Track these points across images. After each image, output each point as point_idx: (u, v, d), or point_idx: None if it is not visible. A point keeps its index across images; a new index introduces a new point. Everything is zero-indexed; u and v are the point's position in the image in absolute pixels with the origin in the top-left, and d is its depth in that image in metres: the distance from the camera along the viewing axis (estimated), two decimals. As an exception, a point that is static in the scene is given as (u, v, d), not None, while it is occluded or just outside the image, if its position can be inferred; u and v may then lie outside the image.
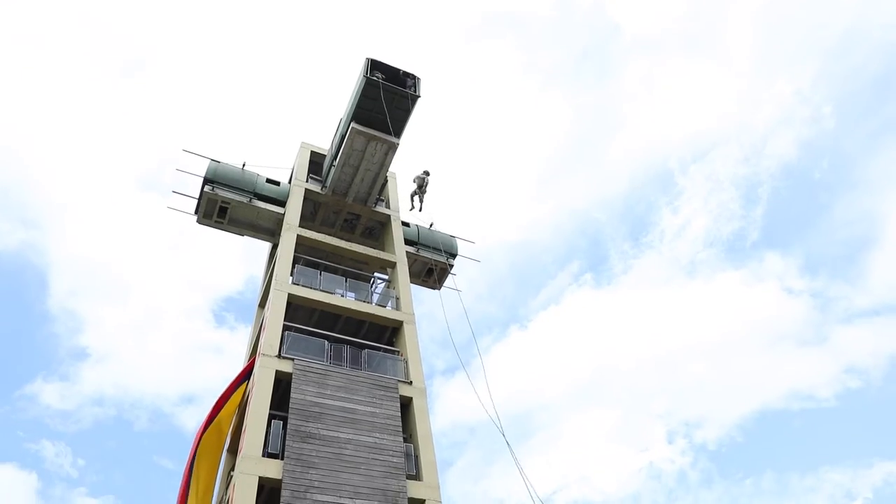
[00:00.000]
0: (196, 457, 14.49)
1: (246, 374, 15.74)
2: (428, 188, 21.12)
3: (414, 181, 21.25)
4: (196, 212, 19.56)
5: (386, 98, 18.13)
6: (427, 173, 21.09)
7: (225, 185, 19.29)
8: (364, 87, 18.12)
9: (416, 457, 14.45)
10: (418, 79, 18.72)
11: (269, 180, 20.31)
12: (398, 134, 18.94)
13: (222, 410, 15.23)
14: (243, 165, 19.80)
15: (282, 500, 12.28)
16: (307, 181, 20.42)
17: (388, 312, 17.81)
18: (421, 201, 21.23)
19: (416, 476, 14.09)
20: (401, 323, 17.44)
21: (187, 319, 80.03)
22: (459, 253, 21.96)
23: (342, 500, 12.72)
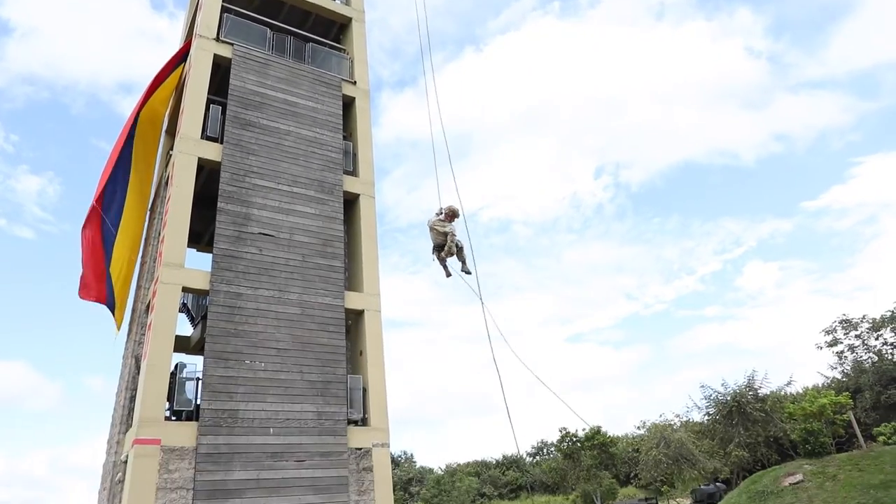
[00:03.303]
0: (134, 137, 14.51)
1: (182, 56, 15.02)
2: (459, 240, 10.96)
3: (432, 230, 11.06)
4: None
5: None
6: (450, 214, 11.00)
7: None
8: None
9: (355, 154, 14.89)
10: None
11: None
12: None
13: (158, 92, 14.84)
14: None
15: (221, 181, 12.75)
16: None
17: (336, 6, 16.63)
18: (462, 259, 11.23)
19: (353, 172, 14.69)
20: (349, 19, 16.45)
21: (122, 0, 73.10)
22: (420, -50, 19.84)
23: (280, 187, 13.33)
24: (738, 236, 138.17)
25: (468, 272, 11.15)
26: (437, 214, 10.53)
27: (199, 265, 12.47)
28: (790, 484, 21.58)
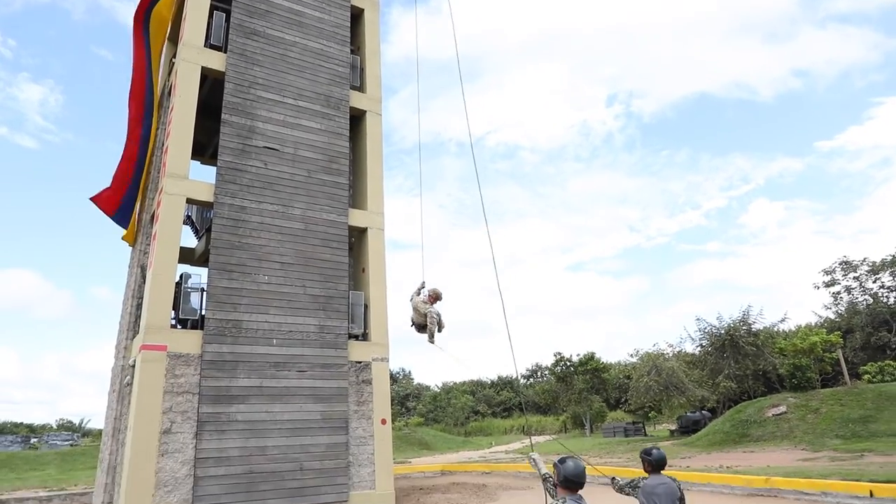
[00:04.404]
0: (150, 45, 14.22)
1: (185, -43, 14.42)
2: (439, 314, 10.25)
3: (414, 310, 10.21)
4: None
5: None
6: (433, 297, 10.22)
7: None
8: None
9: (362, 69, 14.53)
10: None
11: None
12: None
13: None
14: None
15: (225, 92, 12.51)
16: None
17: None
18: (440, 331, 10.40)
19: (360, 88, 14.39)
20: (360, -76, 15.64)
21: None
22: None
23: (285, 100, 13.10)
24: (746, 173, 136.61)
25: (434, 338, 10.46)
26: (419, 293, 10.15)
27: (203, 178, 12.46)
28: (773, 415, 22.33)
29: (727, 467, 14.79)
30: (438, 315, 9.83)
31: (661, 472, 4.78)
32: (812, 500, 10.58)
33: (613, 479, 5.04)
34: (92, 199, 13.79)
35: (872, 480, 10.16)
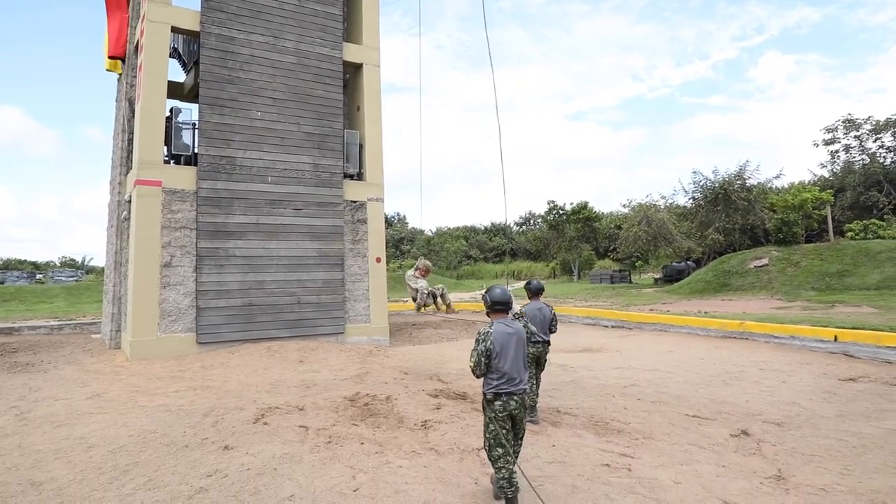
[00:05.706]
0: None
1: None
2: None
3: (407, 285, 11.49)
4: None
5: None
6: (424, 270, 11.41)
7: None
8: None
9: None
10: None
11: None
12: None
13: None
14: None
15: None
16: None
17: None
18: (446, 303, 11.79)
19: None
20: None
21: None
22: None
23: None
24: (761, 23, 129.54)
25: (454, 311, 12.31)
26: (415, 270, 11.36)
27: (188, 5, 11.69)
28: (755, 266, 23.12)
29: (705, 312, 15.59)
30: (429, 290, 11.31)
31: (539, 298, 6.47)
32: (781, 343, 11.28)
33: None
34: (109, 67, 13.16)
35: (839, 327, 10.76)
